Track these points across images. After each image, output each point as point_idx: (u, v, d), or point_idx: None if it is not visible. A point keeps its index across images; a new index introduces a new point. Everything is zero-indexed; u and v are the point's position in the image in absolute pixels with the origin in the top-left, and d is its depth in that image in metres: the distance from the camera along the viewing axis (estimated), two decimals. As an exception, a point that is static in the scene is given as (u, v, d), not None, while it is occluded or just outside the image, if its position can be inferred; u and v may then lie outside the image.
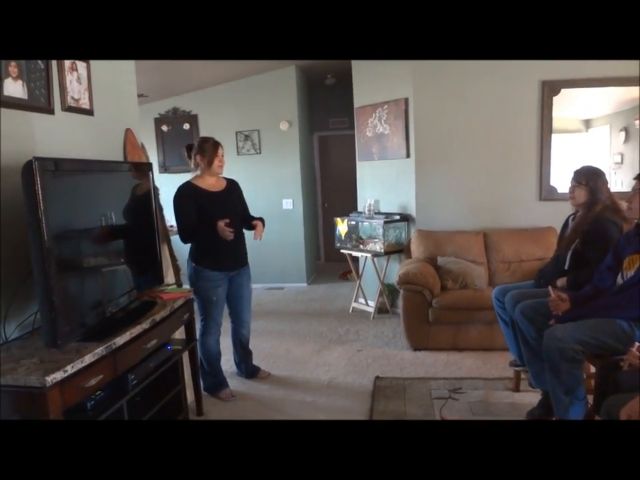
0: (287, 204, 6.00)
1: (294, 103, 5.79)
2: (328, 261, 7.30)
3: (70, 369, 1.73)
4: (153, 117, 6.09)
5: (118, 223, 2.30)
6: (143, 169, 2.63)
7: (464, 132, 4.25)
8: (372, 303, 4.79)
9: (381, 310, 4.73)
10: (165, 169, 6.18)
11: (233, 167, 5.99)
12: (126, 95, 2.96)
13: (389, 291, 4.66)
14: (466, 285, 3.73)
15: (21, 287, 1.94)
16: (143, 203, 2.58)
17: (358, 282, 4.96)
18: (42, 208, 1.67)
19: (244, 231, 3.22)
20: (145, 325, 2.23)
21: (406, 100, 4.33)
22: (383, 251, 4.46)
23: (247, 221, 3.23)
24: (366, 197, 4.88)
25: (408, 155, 4.41)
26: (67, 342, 1.81)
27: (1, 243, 1.92)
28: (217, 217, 2.90)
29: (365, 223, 4.75)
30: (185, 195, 3.02)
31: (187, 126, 6.04)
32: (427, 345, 3.72)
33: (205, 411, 2.95)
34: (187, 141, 5.98)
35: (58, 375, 1.68)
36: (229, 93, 5.86)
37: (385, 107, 4.54)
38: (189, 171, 5.84)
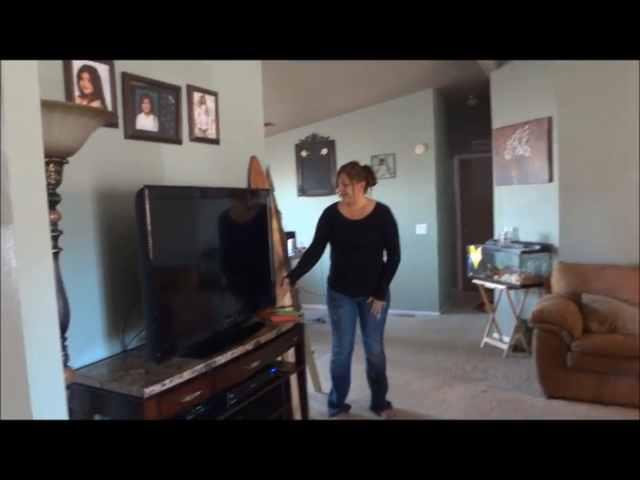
0: (421, 229, 5.82)
1: (430, 125, 5.64)
2: (466, 290, 6.90)
3: (168, 383, 1.84)
4: (294, 143, 6.41)
5: (228, 246, 2.42)
6: (260, 194, 2.74)
7: (619, 154, 3.71)
8: (506, 339, 4.38)
9: (516, 348, 4.30)
10: (303, 192, 6.44)
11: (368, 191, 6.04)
12: (252, 124, 3.14)
13: (525, 328, 4.22)
14: (615, 329, 3.21)
15: (138, 300, 2.12)
16: (257, 227, 2.69)
17: (491, 315, 4.58)
18: (149, 231, 1.82)
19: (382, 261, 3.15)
20: (249, 346, 2.29)
21: (549, 119, 3.94)
22: (519, 283, 4.06)
23: (388, 251, 3.14)
24: (503, 224, 4.51)
25: (551, 179, 3.99)
26: (167, 357, 1.93)
27: (126, 260, 2.13)
28: (346, 245, 3.06)
29: (500, 252, 4.39)
30: (322, 217, 3.16)
31: (324, 151, 6.23)
32: (564, 393, 3.26)
33: (312, 437, 2.93)
34: (324, 165, 6.24)
35: (156, 388, 1.80)
36: (365, 117, 5.93)
37: (526, 127, 4.18)
38: (326, 194, 6.06)
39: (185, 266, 2.13)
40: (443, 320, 5.65)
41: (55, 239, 1.64)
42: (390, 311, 5.83)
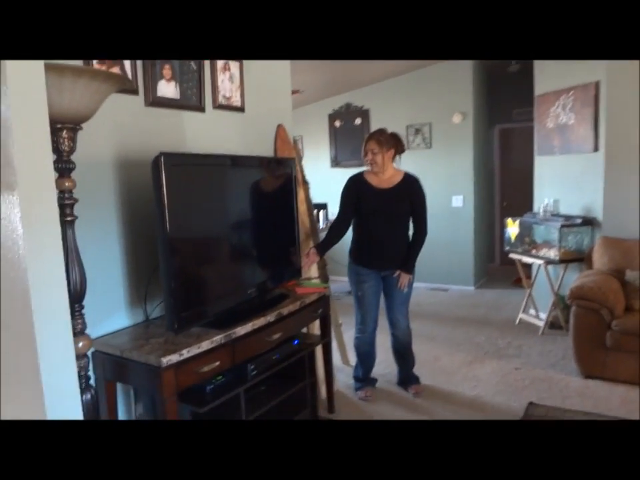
0: (457, 201, 5.63)
1: (469, 93, 5.38)
2: (503, 264, 6.69)
3: (186, 353, 1.84)
4: (327, 113, 6.27)
5: (250, 216, 2.37)
6: (285, 163, 2.67)
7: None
8: (543, 316, 4.22)
9: (553, 325, 4.14)
10: (336, 163, 6.33)
11: (402, 161, 5.84)
12: (279, 92, 3.05)
13: (564, 305, 4.04)
14: (661, 308, 3.02)
15: (158, 269, 2.11)
16: (282, 197, 2.63)
17: (528, 291, 4.41)
18: (166, 200, 1.79)
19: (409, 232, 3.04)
20: (270, 318, 2.27)
21: (596, 84, 3.67)
22: (557, 258, 3.88)
23: (415, 223, 3.02)
24: (543, 196, 4.30)
25: (596, 149, 3.74)
26: (184, 328, 1.92)
27: (147, 229, 2.12)
28: (373, 215, 2.93)
29: (539, 226, 4.19)
30: (347, 186, 3.05)
31: (358, 121, 6.08)
32: (601, 373, 3.12)
33: (337, 409, 2.92)
34: (357, 136, 6.09)
35: (174, 357, 1.79)
36: (401, 86, 5.72)
37: (571, 93, 3.92)
38: (359, 165, 5.94)
39: (204, 236, 2.10)
40: (477, 295, 5.50)
41: (70, 207, 1.63)
42: (422, 285, 5.83)
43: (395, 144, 2.99)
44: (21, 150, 1.25)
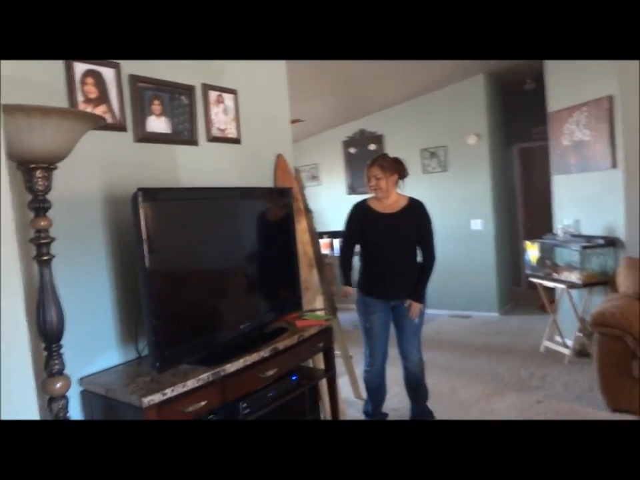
0: (476, 224, 5.49)
1: (483, 114, 5.30)
2: (531, 288, 6.44)
3: (170, 393, 1.78)
4: (341, 140, 6.27)
5: (242, 249, 2.33)
6: (280, 193, 2.64)
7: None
8: (570, 343, 4.00)
9: (580, 353, 3.92)
10: (352, 190, 6.29)
11: (418, 185, 5.77)
12: (277, 122, 3.03)
13: (589, 331, 3.82)
14: (691, 334, 2.80)
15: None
16: (279, 227, 2.58)
17: (552, 317, 4.21)
18: (144, 235, 1.76)
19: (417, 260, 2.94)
20: (264, 353, 2.19)
21: (609, 98, 3.53)
22: (580, 282, 3.69)
23: (423, 249, 2.91)
24: (563, 217, 4.13)
25: (614, 165, 3.58)
26: (168, 366, 1.87)
27: (134, 266, 2.09)
28: (380, 241, 2.86)
29: (559, 248, 4.02)
30: (352, 213, 3.00)
31: (372, 147, 6.05)
32: (629, 406, 2.89)
33: (345, 446, 2.79)
34: (373, 161, 6.02)
35: (156, 397, 1.73)
36: (414, 109, 5.68)
37: (584, 108, 3.79)
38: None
39: (189, 271, 2.06)
40: (502, 321, 5.29)
41: (46, 245, 1.61)
42: (444, 312, 5.66)
43: (397, 169, 2.93)
44: (-24, 192, 1.24)
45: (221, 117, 2.61)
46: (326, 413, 2.86)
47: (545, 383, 3.52)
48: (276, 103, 3.03)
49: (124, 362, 2.12)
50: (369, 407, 3.04)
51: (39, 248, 1.60)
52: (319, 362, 2.87)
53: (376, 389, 2.99)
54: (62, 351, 1.68)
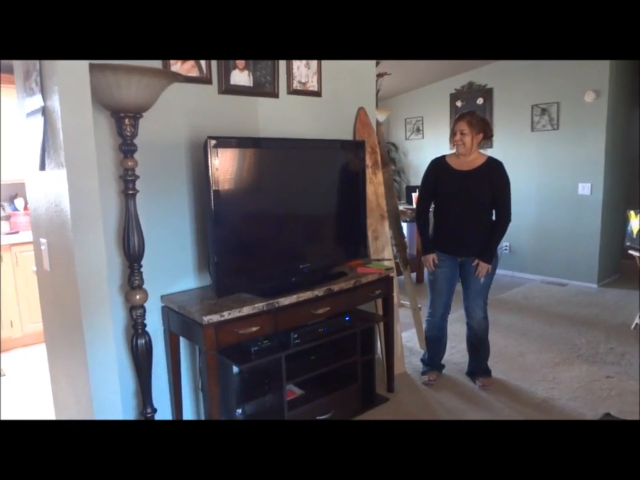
0: (584, 189, 5.12)
1: (605, 68, 4.80)
2: (630, 259, 5.91)
3: (227, 315, 2.09)
4: (449, 92, 6.07)
5: (306, 197, 2.53)
6: (353, 146, 2.76)
7: None
8: (665, 324, 3.73)
9: (675, 335, 3.65)
10: (455, 145, 6.12)
11: (525, 143, 5.50)
12: (362, 75, 3.11)
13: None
14: None
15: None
16: (346, 179, 2.72)
17: (649, 294, 3.92)
18: (212, 179, 2.03)
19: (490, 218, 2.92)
20: (318, 293, 2.42)
21: None
22: (682, 259, 3.39)
23: (497, 209, 2.89)
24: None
25: None
26: (226, 293, 2.18)
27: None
28: (452, 198, 2.90)
29: (666, 221, 3.68)
30: (428, 169, 3.04)
31: (480, 101, 5.79)
32: None
33: (398, 390, 2.99)
34: (479, 116, 5.80)
35: (214, 317, 2.06)
36: (527, 62, 5.29)
37: None
38: (480, 148, 5.73)
39: (253, 213, 2.31)
40: (599, 293, 4.99)
41: (132, 182, 1.94)
42: (539, 277, 5.47)
43: (484, 128, 2.88)
44: (69, 136, 1.57)
45: (303, 71, 2.77)
46: (382, 357, 3.07)
47: (623, 360, 3.36)
48: (361, 57, 3.10)
49: (199, 287, 2.48)
50: (426, 356, 3.17)
51: (125, 184, 1.94)
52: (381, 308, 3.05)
53: (434, 340, 3.10)
54: (142, 270, 2.05)
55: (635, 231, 3.90)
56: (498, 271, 5.77)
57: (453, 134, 2.90)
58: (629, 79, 5.21)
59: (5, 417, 2.85)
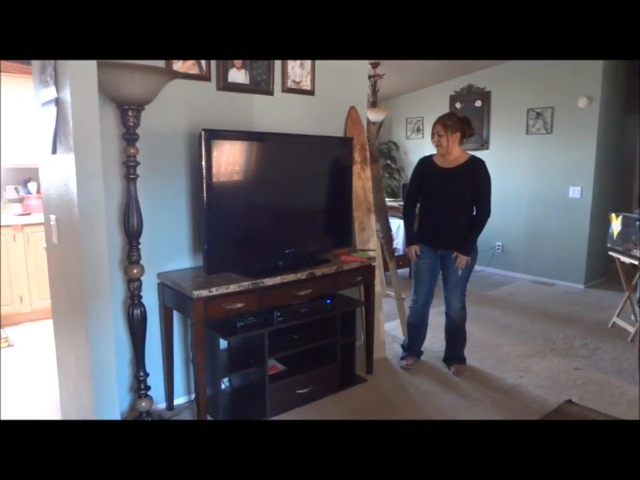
0: (574, 192, 5.28)
1: (598, 75, 4.96)
2: (612, 262, 6.06)
3: (215, 291, 2.31)
4: (449, 94, 6.25)
5: (293, 187, 2.74)
6: (340, 142, 2.98)
7: None
8: (640, 323, 3.90)
9: (647, 334, 3.81)
10: (454, 145, 6.29)
11: (520, 146, 5.67)
12: (354, 76, 3.31)
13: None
14: None
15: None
16: (333, 173, 2.93)
17: (627, 294, 4.09)
18: (205, 167, 2.25)
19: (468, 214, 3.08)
20: (301, 276, 2.64)
21: None
22: (653, 261, 3.56)
23: (477, 205, 3.05)
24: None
25: None
26: (214, 271, 2.41)
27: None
28: (434, 193, 3.09)
29: (638, 223, 3.84)
30: (416, 167, 3.25)
31: (478, 103, 5.97)
32: (663, 387, 2.90)
33: (377, 373, 3.20)
34: (477, 117, 6.01)
35: (203, 292, 2.28)
36: (524, 67, 5.46)
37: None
38: (476, 149, 5.90)
39: (243, 201, 2.53)
40: (584, 293, 5.16)
41: (133, 167, 2.17)
42: (528, 276, 5.65)
43: (461, 127, 3.06)
44: (78, 124, 1.80)
45: (297, 71, 2.98)
46: (362, 340, 3.29)
47: (594, 355, 3.55)
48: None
49: (194, 267, 2.70)
50: (406, 342, 3.38)
51: (127, 169, 2.17)
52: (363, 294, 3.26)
53: (415, 326, 3.30)
54: (140, 247, 2.27)
55: (616, 233, 4.07)
56: (490, 269, 6.01)
57: (432, 135, 3.10)
58: (620, 86, 5.37)
59: (11, 386, 3.09)
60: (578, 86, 5.09)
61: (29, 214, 4.41)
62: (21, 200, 4.54)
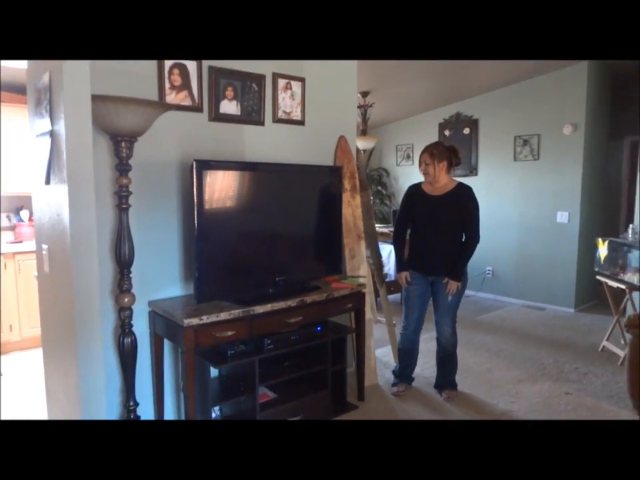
0: (562, 217, 5.37)
1: (582, 103, 5.10)
2: (599, 285, 6.12)
3: (205, 319, 2.32)
4: (438, 122, 6.38)
5: (283, 216, 2.78)
6: (329, 171, 3.03)
7: None
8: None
9: (637, 358, 3.84)
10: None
11: (508, 173, 5.78)
12: (344, 106, 3.39)
13: None
14: None
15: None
16: (323, 201, 2.98)
17: (615, 318, 4.13)
18: (196, 196, 2.29)
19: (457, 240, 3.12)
20: (291, 303, 2.65)
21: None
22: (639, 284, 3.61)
23: (466, 231, 3.10)
24: (642, 218, 3.99)
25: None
26: (205, 300, 2.42)
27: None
28: (423, 220, 3.15)
29: (630, 248, 3.91)
30: (405, 194, 3.30)
31: (467, 130, 6.09)
32: (653, 411, 2.91)
33: (368, 399, 3.19)
34: (466, 145, 6.14)
35: (194, 320, 2.29)
36: (510, 96, 5.62)
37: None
38: (465, 175, 5.99)
39: (233, 230, 2.56)
40: (574, 318, 5.20)
41: (125, 197, 2.20)
42: (519, 301, 5.68)
43: (447, 156, 3.12)
44: (71, 157, 1.83)
45: (288, 102, 3.05)
46: (353, 367, 3.29)
47: (584, 379, 3.56)
48: (344, 88, 3.38)
49: (185, 295, 2.71)
50: (397, 368, 3.38)
51: (120, 198, 2.19)
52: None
53: (406, 352, 3.31)
54: (131, 275, 2.29)
55: (603, 258, 4.13)
56: (481, 294, 6.05)
57: (419, 164, 3.17)
58: (604, 114, 5.52)
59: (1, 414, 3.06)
60: (563, 114, 5.22)
61: (21, 242, 4.41)
62: (12, 228, 4.55)
